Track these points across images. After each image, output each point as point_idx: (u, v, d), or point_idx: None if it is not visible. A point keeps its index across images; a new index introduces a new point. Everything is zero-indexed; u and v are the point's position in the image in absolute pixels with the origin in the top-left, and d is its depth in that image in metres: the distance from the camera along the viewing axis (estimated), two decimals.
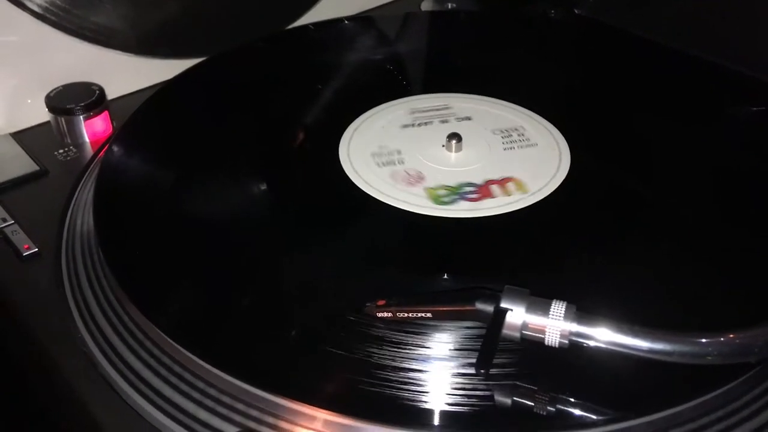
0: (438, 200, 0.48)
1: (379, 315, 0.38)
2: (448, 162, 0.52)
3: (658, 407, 0.35)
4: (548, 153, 0.53)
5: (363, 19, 0.75)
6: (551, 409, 0.35)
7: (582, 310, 0.35)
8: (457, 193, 0.49)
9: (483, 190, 0.49)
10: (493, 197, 0.48)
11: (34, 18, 0.58)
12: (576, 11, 0.71)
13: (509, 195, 0.48)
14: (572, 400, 0.35)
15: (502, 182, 0.49)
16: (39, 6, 0.57)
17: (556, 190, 0.49)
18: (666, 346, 0.33)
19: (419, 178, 0.49)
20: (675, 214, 0.48)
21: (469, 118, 0.57)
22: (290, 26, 0.73)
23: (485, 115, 0.57)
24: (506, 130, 0.56)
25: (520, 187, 0.48)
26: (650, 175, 0.52)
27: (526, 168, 0.51)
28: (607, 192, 0.50)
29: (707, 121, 0.57)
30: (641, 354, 0.34)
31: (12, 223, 0.50)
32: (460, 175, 0.51)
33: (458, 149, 0.53)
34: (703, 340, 0.33)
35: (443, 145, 0.53)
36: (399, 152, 0.52)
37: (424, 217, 0.47)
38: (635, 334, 0.33)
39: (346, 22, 0.71)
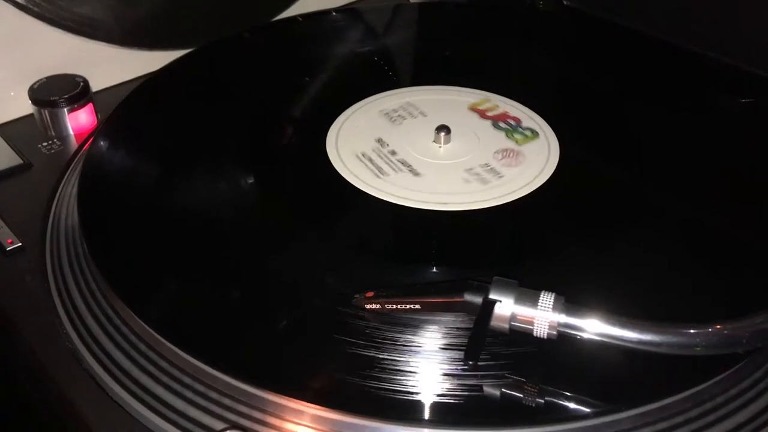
0: (531, 137, 0.51)
1: (368, 306, 0.38)
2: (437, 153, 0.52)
3: (647, 399, 0.35)
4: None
5: (351, 11, 0.74)
6: (540, 401, 0.35)
7: (571, 302, 0.35)
8: (524, 131, 0.52)
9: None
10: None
11: (16, 9, 0.57)
12: (565, 2, 0.71)
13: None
14: (561, 392, 0.35)
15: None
16: None
17: (545, 182, 0.49)
18: (654, 337, 0.33)
19: (516, 153, 0.50)
20: (663, 205, 0.48)
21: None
22: (277, 18, 0.73)
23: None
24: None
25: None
26: (638, 166, 0.51)
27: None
28: (596, 184, 0.50)
29: (695, 113, 0.57)
30: (630, 345, 0.34)
31: None
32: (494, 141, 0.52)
33: (447, 141, 0.53)
34: (692, 331, 0.33)
35: (433, 140, 0.53)
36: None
37: (415, 210, 0.47)
38: (624, 325, 0.33)
39: (334, 13, 0.71)
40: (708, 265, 0.43)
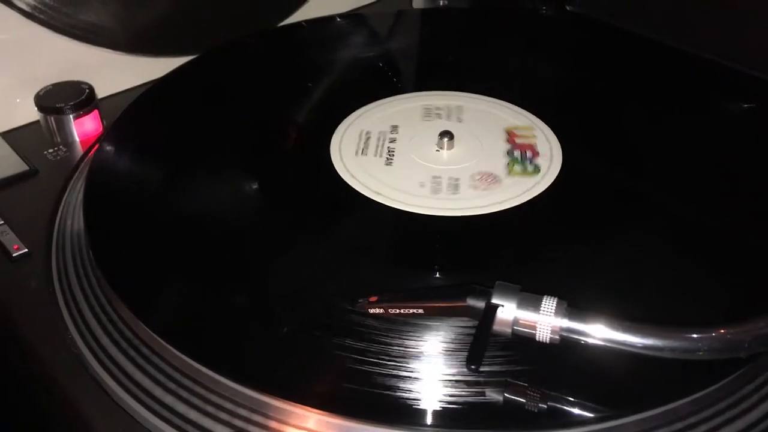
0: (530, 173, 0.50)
1: (371, 311, 0.38)
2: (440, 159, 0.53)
3: (651, 404, 0.35)
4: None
5: (355, 17, 0.74)
6: (543, 405, 0.35)
7: (573, 306, 0.35)
8: (527, 165, 0.50)
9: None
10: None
11: (22, 16, 0.57)
12: (567, 7, 0.71)
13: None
14: (564, 396, 0.35)
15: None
16: (27, 4, 0.57)
17: (548, 187, 0.49)
18: (657, 341, 0.33)
19: (494, 178, 0.49)
20: (665, 209, 0.48)
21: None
22: (281, 23, 0.73)
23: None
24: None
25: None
26: (641, 171, 0.52)
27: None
28: (599, 188, 0.50)
29: (698, 117, 0.57)
30: (632, 349, 0.34)
31: (2, 224, 0.50)
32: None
33: (450, 146, 0.53)
34: (694, 336, 0.33)
35: (436, 145, 0.53)
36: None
37: (414, 215, 0.47)
38: (626, 329, 0.33)
39: (339, 19, 0.71)
40: (711, 268, 0.43)
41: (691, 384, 0.35)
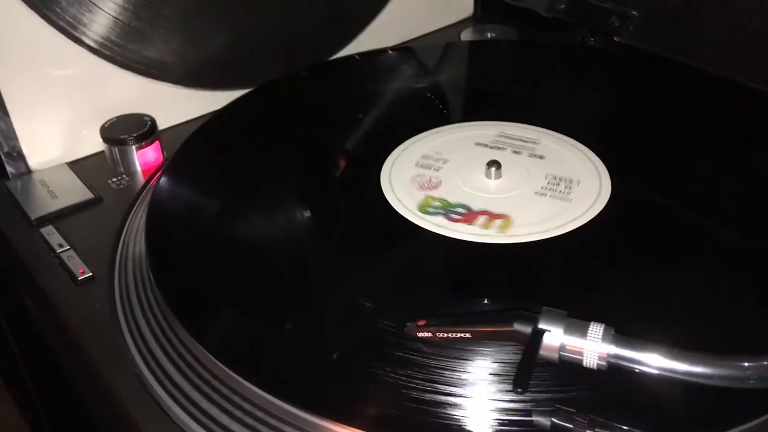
0: (423, 209, 0.50)
1: (419, 335, 0.39)
2: (486, 187, 0.53)
3: None
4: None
5: (405, 49, 0.76)
6: None
7: (621, 333, 0.35)
8: (446, 209, 0.50)
9: (469, 217, 0.50)
10: (470, 225, 0.49)
11: (90, 53, 0.60)
12: (615, 39, 0.72)
13: (485, 229, 0.48)
14: (612, 423, 0.35)
15: (493, 217, 0.49)
16: (95, 41, 0.60)
17: (595, 216, 0.49)
18: (705, 369, 0.33)
19: (435, 186, 0.49)
20: (715, 239, 0.48)
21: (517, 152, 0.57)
22: (333, 57, 0.75)
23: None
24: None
25: (505, 227, 0.48)
26: (690, 202, 0.51)
27: (547, 209, 0.51)
28: (648, 218, 0.50)
29: (751, 149, 0.56)
30: (680, 377, 0.34)
31: (68, 249, 0.52)
32: (468, 197, 0.52)
33: (498, 176, 0.53)
34: (744, 364, 0.33)
35: (484, 174, 0.54)
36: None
37: (467, 243, 0.48)
38: (673, 356, 0.33)
39: (390, 52, 0.73)
40: (763, 296, 0.43)
41: (741, 413, 0.35)
